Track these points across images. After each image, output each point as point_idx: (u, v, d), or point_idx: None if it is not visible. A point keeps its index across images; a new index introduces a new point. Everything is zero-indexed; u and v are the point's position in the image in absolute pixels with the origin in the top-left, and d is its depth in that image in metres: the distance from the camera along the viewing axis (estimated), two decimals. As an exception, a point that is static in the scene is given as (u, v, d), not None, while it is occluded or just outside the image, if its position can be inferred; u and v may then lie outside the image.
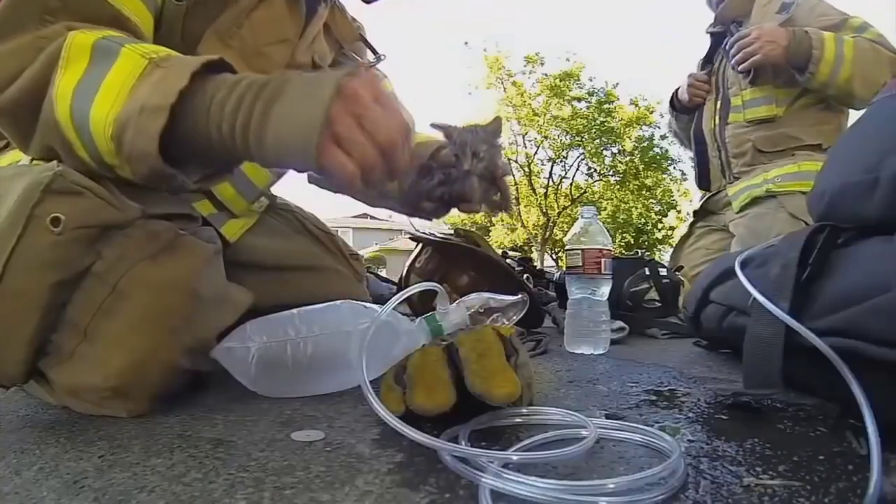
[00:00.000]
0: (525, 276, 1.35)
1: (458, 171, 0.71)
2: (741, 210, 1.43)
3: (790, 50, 1.29)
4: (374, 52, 0.92)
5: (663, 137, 14.21)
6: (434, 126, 0.76)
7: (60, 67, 0.49)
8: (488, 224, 14.85)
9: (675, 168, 14.69)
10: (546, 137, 14.23)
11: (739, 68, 1.37)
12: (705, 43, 1.61)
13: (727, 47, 1.44)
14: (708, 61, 1.60)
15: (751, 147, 1.43)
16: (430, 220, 0.85)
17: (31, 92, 0.50)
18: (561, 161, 14.69)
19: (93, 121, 0.48)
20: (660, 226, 15.17)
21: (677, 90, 1.66)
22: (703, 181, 1.61)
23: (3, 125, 0.54)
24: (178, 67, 0.47)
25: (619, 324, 1.00)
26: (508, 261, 1.36)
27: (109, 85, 0.48)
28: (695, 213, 1.67)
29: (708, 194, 1.60)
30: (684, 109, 1.65)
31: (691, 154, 1.67)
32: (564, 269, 0.88)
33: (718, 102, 1.52)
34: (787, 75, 1.35)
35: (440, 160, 0.73)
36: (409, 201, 0.79)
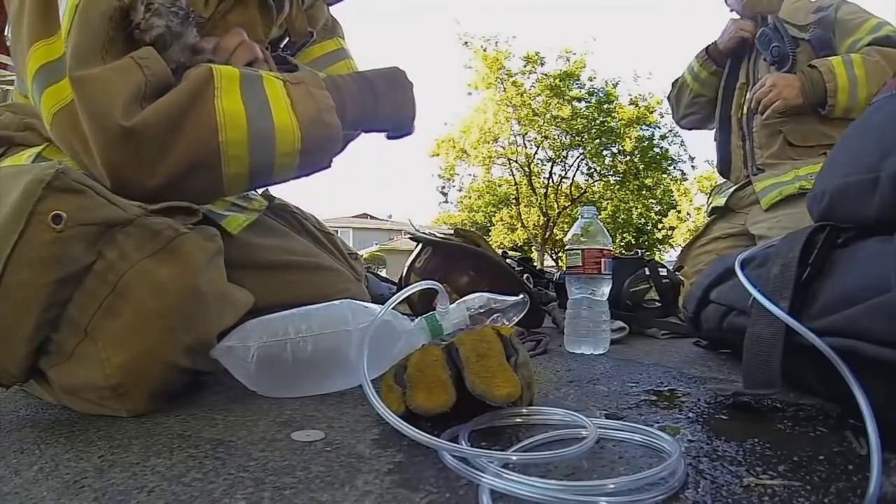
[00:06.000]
0: (525, 276, 1.35)
1: None
2: (770, 208, 1.38)
3: (806, 89, 1.31)
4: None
5: (663, 137, 14.17)
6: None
7: (217, 93, 0.58)
8: (488, 224, 14.85)
9: (675, 168, 14.67)
10: (546, 137, 14.19)
11: (763, 117, 1.38)
12: (706, 41, 1.60)
13: (758, 38, 1.43)
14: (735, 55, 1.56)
15: (781, 138, 1.41)
16: None
17: (173, 116, 0.56)
18: (561, 161, 14.64)
19: (279, 128, 0.61)
20: (660, 226, 15.10)
21: (714, 41, 1.60)
22: (725, 169, 1.58)
23: (125, 152, 0.55)
24: (312, 84, 0.66)
25: (619, 324, 1.00)
26: (508, 261, 1.36)
27: (276, 102, 0.62)
28: (715, 208, 1.59)
29: (733, 188, 1.54)
30: (720, 57, 1.59)
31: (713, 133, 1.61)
32: (564, 269, 0.88)
33: (749, 92, 1.49)
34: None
35: None
36: None
